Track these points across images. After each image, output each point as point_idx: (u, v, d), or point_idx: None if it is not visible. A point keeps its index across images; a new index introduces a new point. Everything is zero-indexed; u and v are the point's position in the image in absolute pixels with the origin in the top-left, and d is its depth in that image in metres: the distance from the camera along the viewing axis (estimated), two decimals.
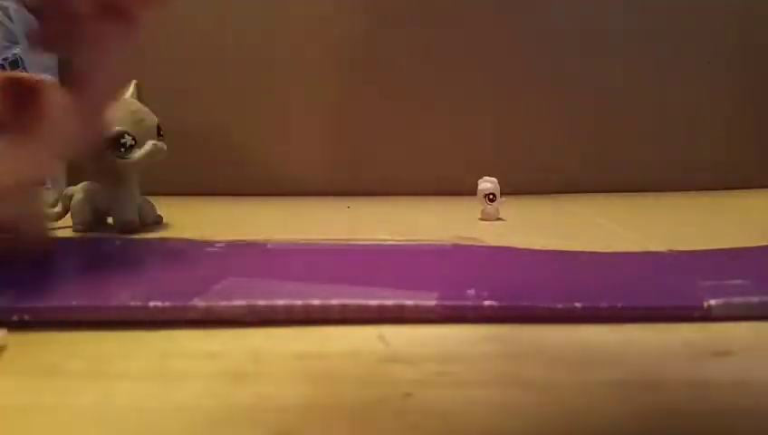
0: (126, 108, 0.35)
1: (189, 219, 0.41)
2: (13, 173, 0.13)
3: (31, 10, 0.15)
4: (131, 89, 0.37)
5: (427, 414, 0.14)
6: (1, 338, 0.19)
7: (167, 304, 0.20)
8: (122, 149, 0.34)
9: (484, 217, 0.41)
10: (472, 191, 0.41)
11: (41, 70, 0.47)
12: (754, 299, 0.21)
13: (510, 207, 0.42)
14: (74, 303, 0.21)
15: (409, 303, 0.21)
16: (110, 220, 0.37)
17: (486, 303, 0.20)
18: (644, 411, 0.15)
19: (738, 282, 0.23)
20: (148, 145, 0.35)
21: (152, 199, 0.39)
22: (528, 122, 0.55)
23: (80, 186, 0.37)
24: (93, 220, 0.37)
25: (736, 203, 0.50)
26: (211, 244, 0.31)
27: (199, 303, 0.20)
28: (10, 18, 0.46)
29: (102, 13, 0.15)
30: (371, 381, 0.16)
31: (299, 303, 0.21)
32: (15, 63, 0.46)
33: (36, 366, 0.17)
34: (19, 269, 0.28)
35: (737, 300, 0.21)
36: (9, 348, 0.18)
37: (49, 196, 0.47)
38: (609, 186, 0.55)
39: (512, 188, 0.43)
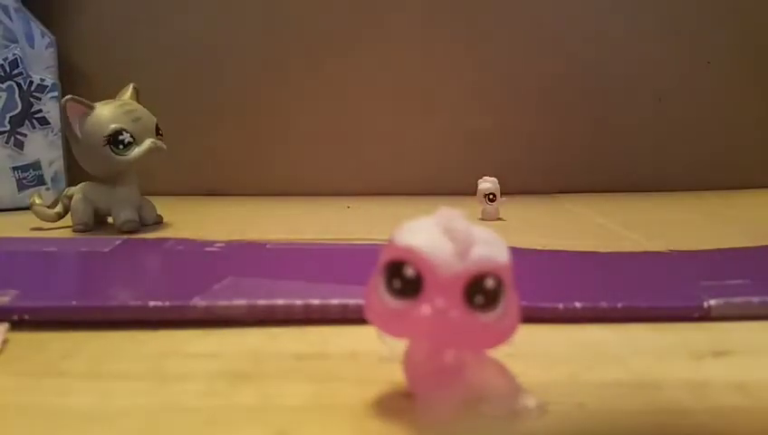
0: (123, 107, 0.35)
1: (189, 219, 0.41)
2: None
3: None
4: (129, 91, 0.37)
5: None
6: (2, 332, 0.19)
7: (167, 304, 0.20)
8: (120, 146, 0.34)
9: (484, 217, 0.41)
10: (472, 191, 0.41)
11: (41, 69, 0.48)
12: (754, 299, 0.21)
13: (510, 208, 0.42)
14: (74, 303, 0.21)
15: None
16: (110, 220, 0.37)
17: None
18: (644, 411, 0.15)
19: (738, 282, 0.23)
20: (147, 142, 0.35)
21: (152, 199, 0.39)
22: (528, 122, 0.55)
23: (80, 186, 0.37)
24: (93, 220, 0.37)
25: (736, 203, 0.50)
26: (211, 244, 0.31)
27: (199, 303, 0.20)
28: (10, 17, 0.46)
29: None
30: (371, 381, 0.16)
31: (299, 303, 0.21)
32: (15, 63, 0.46)
33: (36, 366, 0.17)
34: (19, 269, 0.28)
35: (737, 300, 0.21)
36: (9, 348, 0.18)
37: (49, 196, 0.47)
38: (610, 186, 0.55)
39: (512, 188, 0.43)
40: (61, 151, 0.48)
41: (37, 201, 0.38)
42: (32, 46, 0.47)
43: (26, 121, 0.47)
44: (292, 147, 0.55)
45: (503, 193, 0.41)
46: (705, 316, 0.21)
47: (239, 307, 0.20)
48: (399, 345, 0.14)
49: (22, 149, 0.47)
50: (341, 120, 0.55)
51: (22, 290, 0.22)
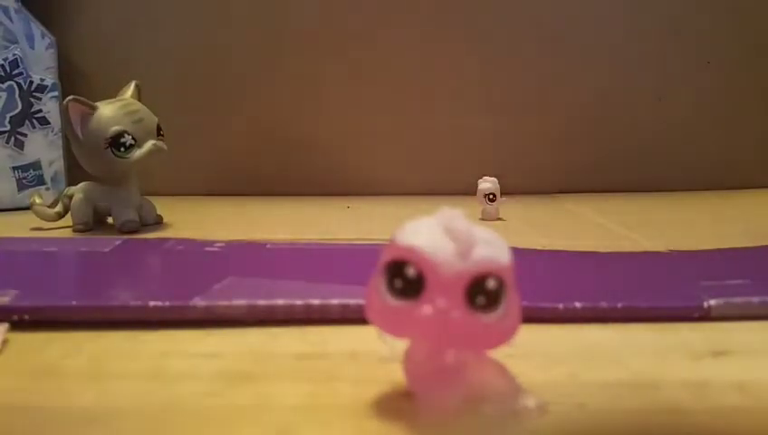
0: (125, 108, 0.35)
1: (189, 219, 0.41)
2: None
3: None
4: (131, 89, 0.37)
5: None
6: (2, 332, 0.19)
7: (167, 304, 0.20)
8: (122, 149, 0.34)
9: (485, 217, 0.41)
10: (472, 191, 0.41)
11: (41, 70, 0.48)
12: (754, 299, 0.21)
13: (510, 207, 0.42)
14: (74, 303, 0.21)
15: None
16: (110, 220, 0.37)
17: None
18: (644, 411, 0.15)
19: (738, 282, 0.23)
20: (148, 144, 0.35)
21: (152, 199, 0.39)
22: (528, 122, 0.55)
23: (80, 186, 0.37)
24: (93, 220, 0.37)
25: (736, 203, 0.50)
26: (211, 244, 0.31)
27: (199, 303, 0.20)
28: (10, 18, 0.46)
29: None
30: (371, 381, 0.16)
31: (299, 303, 0.21)
32: (15, 63, 0.46)
33: (36, 366, 0.17)
34: (19, 269, 0.28)
35: (737, 300, 0.21)
36: (9, 348, 0.18)
37: (49, 196, 0.47)
38: (609, 186, 0.55)
39: (512, 188, 0.43)
40: (61, 151, 0.48)
41: (37, 201, 0.38)
42: (32, 47, 0.47)
43: (26, 121, 0.47)
44: (292, 147, 0.55)
45: (503, 193, 0.41)
46: (705, 316, 0.21)
47: (239, 307, 0.20)
48: (400, 345, 0.14)
49: (22, 149, 0.47)
50: (342, 120, 0.55)
51: (22, 290, 0.22)
